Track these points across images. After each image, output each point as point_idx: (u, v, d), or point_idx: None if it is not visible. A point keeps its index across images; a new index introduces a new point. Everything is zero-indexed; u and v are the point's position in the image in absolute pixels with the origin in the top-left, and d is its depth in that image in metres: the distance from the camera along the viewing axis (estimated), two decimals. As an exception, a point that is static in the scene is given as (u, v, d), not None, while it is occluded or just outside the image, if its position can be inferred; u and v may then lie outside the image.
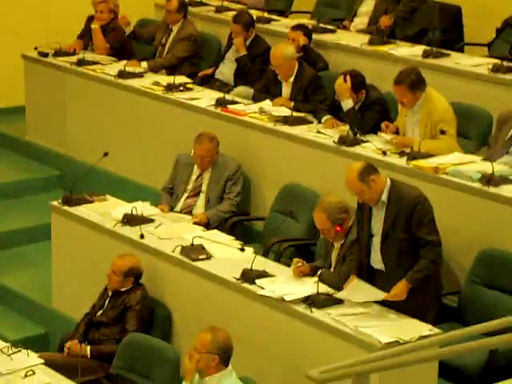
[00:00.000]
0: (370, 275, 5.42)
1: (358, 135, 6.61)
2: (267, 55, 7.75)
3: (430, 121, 6.33)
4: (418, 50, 7.79)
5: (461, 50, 8.36)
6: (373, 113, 6.75)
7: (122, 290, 5.91)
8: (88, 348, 5.82)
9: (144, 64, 8.33)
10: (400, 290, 5.24)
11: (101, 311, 5.95)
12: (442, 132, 6.27)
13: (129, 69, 8.16)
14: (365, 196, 5.34)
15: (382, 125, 6.57)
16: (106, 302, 5.96)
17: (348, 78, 6.71)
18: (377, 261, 5.42)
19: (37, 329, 6.83)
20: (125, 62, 8.29)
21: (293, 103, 7.27)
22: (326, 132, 6.79)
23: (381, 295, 5.21)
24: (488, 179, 5.81)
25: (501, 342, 2.47)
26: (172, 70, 8.26)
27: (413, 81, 6.25)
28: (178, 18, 8.52)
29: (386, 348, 4.73)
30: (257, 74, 8.02)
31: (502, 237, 5.69)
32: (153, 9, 9.52)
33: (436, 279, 5.47)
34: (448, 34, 8.56)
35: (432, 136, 6.30)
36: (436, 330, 5.05)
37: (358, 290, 5.26)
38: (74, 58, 8.50)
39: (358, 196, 5.38)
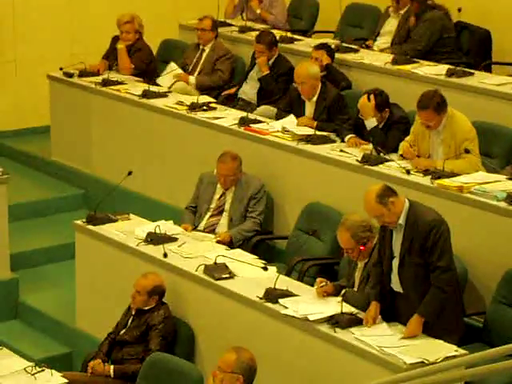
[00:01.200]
0: (391, 298, 5.37)
1: (381, 154, 6.60)
2: (290, 74, 7.77)
3: (454, 140, 6.31)
4: (441, 69, 7.77)
5: (488, 70, 8.33)
6: (396, 131, 6.74)
7: (146, 308, 5.91)
8: (111, 367, 5.82)
9: (192, 80, 8.38)
10: (414, 326, 5.15)
11: (124, 330, 5.96)
12: (467, 151, 6.25)
13: (153, 88, 8.20)
14: (384, 219, 5.30)
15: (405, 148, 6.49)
16: (130, 321, 5.97)
17: (372, 96, 6.71)
18: (395, 283, 5.38)
19: (60, 348, 6.84)
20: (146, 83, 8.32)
21: (316, 123, 7.27)
22: (350, 151, 6.78)
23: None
24: (513, 198, 5.77)
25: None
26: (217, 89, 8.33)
27: (437, 103, 6.23)
28: (211, 37, 8.58)
29: (410, 369, 4.70)
30: (280, 93, 8.04)
31: (527, 256, 5.65)
32: (177, 29, 9.58)
33: (457, 303, 5.39)
34: (474, 56, 8.52)
35: (456, 155, 6.28)
36: (461, 351, 5.01)
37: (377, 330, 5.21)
38: (99, 78, 8.56)
39: (377, 219, 5.34)
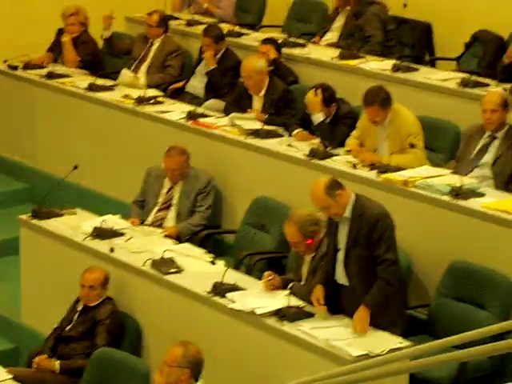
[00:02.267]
0: (335, 290, 5.42)
1: (328, 148, 6.64)
2: (238, 69, 7.77)
3: (399, 135, 6.38)
4: (387, 64, 7.84)
5: (432, 65, 8.42)
6: (343, 126, 6.79)
7: (93, 304, 5.87)
8: (57, 363, 5.77)
9: (142, 79, 8.31)
10: (360, 317, 5.20)
11: (70, 326, 5.91)
12: (412, 146, 6.32)
13: (99, 82, 8.14)
14: (331, 211, 5.34)
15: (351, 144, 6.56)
16: (75, 316, 5.93)
17: (319, 91, 6.75)
18: (341, 276, 5.42)
19: (6, 344, 6.76)
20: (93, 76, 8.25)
21: (266, 116, 7.29)
22: (297, 145, 6.81)
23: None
24: (457, 192, 5.85)
25: (471, 355, 2.48)
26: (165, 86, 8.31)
27: (383, 99, 6.30)
28: (160, 32, 8.52)
29: (356, 361, 4.75)
30: (227, 87, 8.03)
31: (471, 250, 5.73)
32: (123, 22, 9.51)
33: (400, 295, 5.44)
34: (419, 50, 8.62)
35: (401, 150, 6.35)
36: (406, 343, 5.07)
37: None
38: (44, 71, 8.47)
39: (324, 211, 5.38)
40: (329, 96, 6.80)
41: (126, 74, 8.35)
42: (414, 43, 8.62)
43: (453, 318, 5.53)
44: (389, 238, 5.29)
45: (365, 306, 5.21)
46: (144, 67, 8.50)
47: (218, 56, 8.21)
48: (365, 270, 5.31)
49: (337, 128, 6.80)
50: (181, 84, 8.43)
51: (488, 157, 6.26)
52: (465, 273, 5.62)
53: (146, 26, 8.62)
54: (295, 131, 6.99)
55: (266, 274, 5.65)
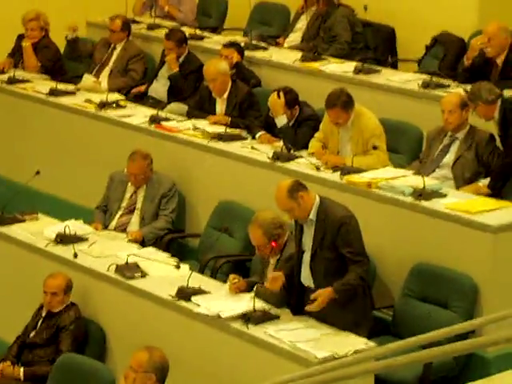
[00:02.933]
0: (300, 292, 5.43)
1: (291, 151, 6.65)
2: (200, 72, 7.77)
3: (362, 137, 6.41)
4: (348, 66, 7.88)
5: (394, 67, 8.47)
6: (306, 128, 6.81)
7: (56, 310, 5.83)
8: (21, 370, 5.72)
9: (104, 84, 8.27)
10: (322, 294, 5.18)
11: (34, 332, 5.86)
12: (375, 147, 6.35)
13: (60, 86, 8.09)
14: (294, 213, 5.35)
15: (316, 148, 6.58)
16: (39, 322, 5.88)
17: (281, 94, 6.76)
18: (306, 278, 5.43)
19: (-32, 351, 6.69)
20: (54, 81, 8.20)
21: (229, 119, 7.28)
22: (261, 148, 6.82)
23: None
24: (420, 193, 5.88)
25: (435, 355, 2.49)
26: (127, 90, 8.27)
27: (345, 101, 6.33)
28: (122, 36, 8.49)
29: (322, 363, 4.76)
30: (190, 90, 8.02)
31: (434, 250, 5.77)
32: (84, 26, 9.46)
33: (366, 296, 5.46)
34: (382, 52, 8.67)
35: (364, 152, 6.38)
36: (371, 344, 5.09)
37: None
38: (5, 77, 8.40)
39: (288, 213, 5.39)
40: (291, 99, 6.82)
41: (87, 79, 8.31)
42: (376, 46, 8.68)
43: (417, 319, 5.56)
44: (356, 240, 5.32)
45: (333, 288, 5.21)
46: (106, 71, 8.46)
47: (181, 59, 8.19)
48: (330, 271, 5.33)
49: (300, 130, 6.81)
50: (143, 88, 8.41)
51: (449, 157, 6.32)
52: (428, 273, 5.65)
53: (107, 30, 8.58)
54: (258, 134, 7.00)
55: (231, 277, 5.65)
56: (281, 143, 6.77)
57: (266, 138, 6.92)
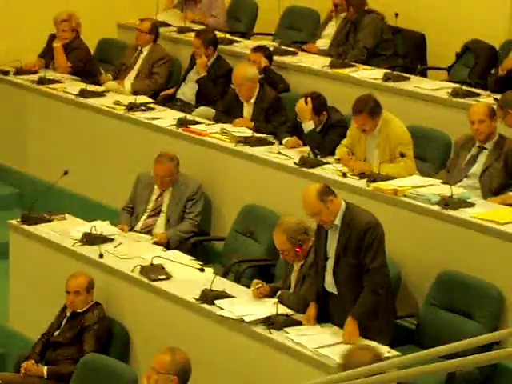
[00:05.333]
0: (324, 298, 5.42)
1: (318, 156, 6.65)
2: (229, 76, 7.78)
3: (389, 144, 6.39)
4: (378, 73, 7.86)
5: (424, 75, 8.45)
6: (334, 135, 6.79)
7: (81, 310, 5.86)
8: (45, 368, 5.76)
9: (127, 86, 8.32)
10: (350, 328, 5.19)
11: (58, 331, 5.90)
12: (402, 155, 6.33)
13: (90, 88, 8.14)
14: (322, 217, 5.34)
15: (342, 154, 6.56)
16: (64, 321, 5.91)
17: (309, 99, 6.75)
18: (330, 284, 5.42)
19: (-6, 348, 6.75)
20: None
21: (253, 124, 7.30)
22: (287, 153, 6.82)
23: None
24: (446, 202, 5.86)
25: (459, 365, 2.48)
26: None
27: (372, 108, 6.31)
28: (149, 39, 8.51)
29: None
30: (218, 94, 8.03)
31: (460, 259, 5.74)
32: (115, 29, 9.51)
33: (388, 304, 5.43)
34: (412, 60, 8.64)
35: (391, 159, 6.36)
36: (394, 352, 5.07)
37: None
38: (36, 77, 8.47)
39: (315, 217, 5.38)
40: (319, 104, 6.81)
41: (109, 81, 8.39)
42: (406, 53, 8.65)
43: (441, 328, 5.53)
44: (378, 246, 5.29)
45: (352, 317, 5.21)
46: (132, 74, 8.50)
47: (210, 63, 8.21)
48: (354, 278, 5.31)
49: (327, 136, 6.80)
50: (172, 91, 8.43)
51: (476, 168, 6.27)
52: (454, 282, 5.62)
53: (136, 30, 8.61)
54: (285, 139, 6.99)
55: (255, 282, 5.65)
56: (307, 148, 6.77)
57: (293, 142, 6.92)
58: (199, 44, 8.13)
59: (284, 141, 7.01)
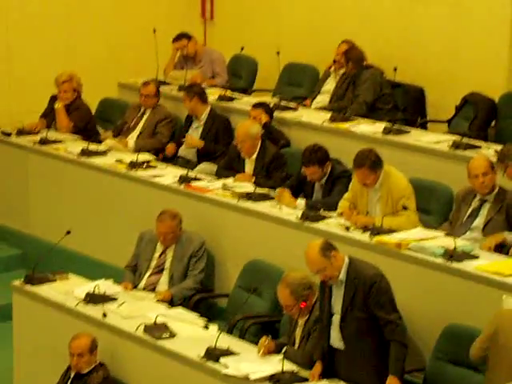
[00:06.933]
0: (330, 355, 5.38)
1: (320, 211, 6.64)
2: (228, 127, 7.81)
3: (391, 197, 6.39)
4: (378, 127, 7.89)
5: (424, 128, 8.48)
6: (342, 186, 6.80)
7: (85, 371, 5.81)
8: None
9: (131, 144, 8.37)
10: None
11: (62, 393, 5.85)
12: (404, 208, 6.33)
13: (92, 147, 8.18)
14: (326, 273, 5.33)
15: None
16: (68, 383, 5.86)
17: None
18: (336, 340, 5.38)
19: (-3, 412, 6.68)
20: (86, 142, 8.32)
21: (254, 179, 7.32)
22: (290, 208, 6.81)
23: None
24: (451, 255, 5.84)
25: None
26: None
27: (373, 162, 6.34)
28: (154, 102, 8.58)
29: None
30: (222, 147, 8.08)
31: (465, 312, 5.70)
32: (116, 88, 9.58)
33: None
34: (412, 113, 8.69)
35: (393, 212, 6.35)
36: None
37: None
38: (37, 137, 8.51)
39: (320, 273, 5.36)
40: (322, 156, 6.83)
41: (108, 138, 8.45)
42: (406, 106, 8.70)
43: (449, 382, 5.47)
44: (388, 299, 5.30)
45: (394, 375, 5.18)
46: (135, 134, 8.55)
47: (204, 117, 8.26)
48: (361, 332, 5.29)
49: (335, 189, 6.82)
50: (170, 149, 8.45)
51: (479, 221, 6.26)
52: (460, 335, 5.57)
53: (138, 91, 8.67)
54: (277, 189, 6.98)
55: (263, 339, 5.58)
56: (303, 202, 6.76)
57: (282, 193, 6.86)
58: (186, 97, 8.21)
59: (277, 191, 6.98)
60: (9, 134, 8.67)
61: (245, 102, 8.76)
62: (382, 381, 5.25)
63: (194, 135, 8.31)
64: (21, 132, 8.65)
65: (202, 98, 8.33)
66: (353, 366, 5.28)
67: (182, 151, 8.42)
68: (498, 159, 6.40)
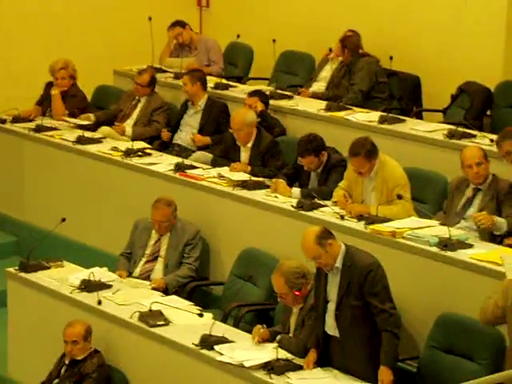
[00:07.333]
0: (324, 342, 5.39)
1: (315, 199, 6.65)
2: (225, 112, 7.84)
3: (386, 186, 6.40)
4: (374, 115, 7.90)
5: (419, 117, 8.48)
6: (338, 175, 6.81)
7: (79, 358, 5.82)
8: (44, 417, 5.71)
9: (129, 131, 8.36)
10: (387, 379, 5.18)
11: (57, 380, 5.86)
12: (399, 197, 6.34)
13: (87, 134, 8.17)
14: (321, 261, 5.34)
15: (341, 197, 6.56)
16: (63, 370, 5.87)
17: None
18: (331, 327, 5.40)
19: (-8, 398, 6.70)
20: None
21: (249, 169, 7.31)
22: (284, 196, 6.81)
23: None
24: (445, 243, 5.85)
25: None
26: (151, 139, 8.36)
27: (369, 150, 6.34)
28: (148, 91, 8.56)
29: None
30: (224, 127, 8.09)
31: (459, 301, 5.72)
32: (111, 75, 9.57)
33: None
34: (407, 102, 8.69)
35: (388, 201, 6.36)
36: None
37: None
38: (32, 124, 8.50)
39: (315, 261, 5.38)
40: (317, 145, 6.84)
41: (104, 128, 8.44)
42: (401, 95, 8.70)
43: (442, 371, 5.49)
44: (383, 288, 5.30)
45: (384, 366, 5.19)
46: (130, 122, 8.54)
47: (202, 104, 8.24)
48: (357, 319, 5.30)
49: (331, 178, 6.82)
50: (165, 136, 8.44)
51: (473, 210, 6.26)
52: (454, 324, 5.59)
53: (134, 81, 8.65)
54: (273, 180, 6.98)
55: (258, 327, 5.60)
56: (298, 190, 6.77)
57: (278, 184, 6.85)
58: (187, 80, 8.19)
59: (272, 180, 6.98)
60: (4, 121, 8.65)
61: (240, 90, 8.75)
62: (376, 370, 5.26)
63: (192, 122, 8.30)
64: (16, 119, 8.64)
65: (204, 84, 8.32)
66: (347, 354, 5.29)
67: (177, 139, 8.41)
68: (497, 143, 6.42)
